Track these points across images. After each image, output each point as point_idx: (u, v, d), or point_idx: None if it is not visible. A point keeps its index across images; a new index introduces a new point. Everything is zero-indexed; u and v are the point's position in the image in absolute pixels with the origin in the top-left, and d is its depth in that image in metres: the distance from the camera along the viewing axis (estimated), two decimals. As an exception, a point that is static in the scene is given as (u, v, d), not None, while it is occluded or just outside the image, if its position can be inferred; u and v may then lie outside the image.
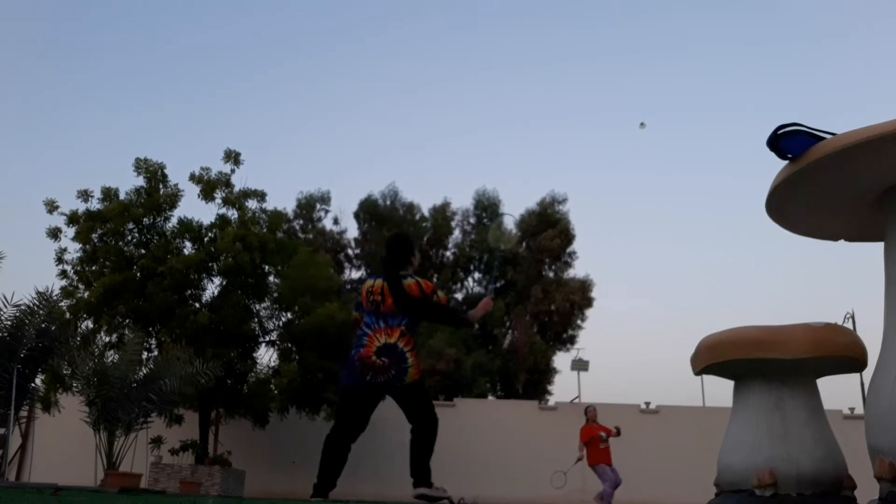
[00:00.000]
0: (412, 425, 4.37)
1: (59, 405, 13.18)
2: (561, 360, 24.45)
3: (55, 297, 11.15)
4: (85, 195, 14.56)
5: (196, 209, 19.42)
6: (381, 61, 40.30)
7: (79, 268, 14.48)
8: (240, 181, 16.25)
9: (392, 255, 4.57)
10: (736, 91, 40.89)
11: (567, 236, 24.33)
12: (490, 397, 22.40)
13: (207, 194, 14.98)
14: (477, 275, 25.80)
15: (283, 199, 36.56)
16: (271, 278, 15.71)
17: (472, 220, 25.70)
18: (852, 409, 17.33)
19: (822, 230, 4.13)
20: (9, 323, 10.37)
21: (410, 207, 24.97)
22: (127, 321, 14.00)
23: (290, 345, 15.36)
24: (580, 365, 19.09)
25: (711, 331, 4.16)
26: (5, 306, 10.37)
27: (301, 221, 24.52)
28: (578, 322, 24.43)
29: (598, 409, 10.84)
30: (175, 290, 13.97)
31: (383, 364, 4.24)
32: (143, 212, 14.50)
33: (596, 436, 10.32)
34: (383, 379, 4.25)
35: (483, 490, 14.64)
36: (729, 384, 4.33)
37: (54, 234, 14.35)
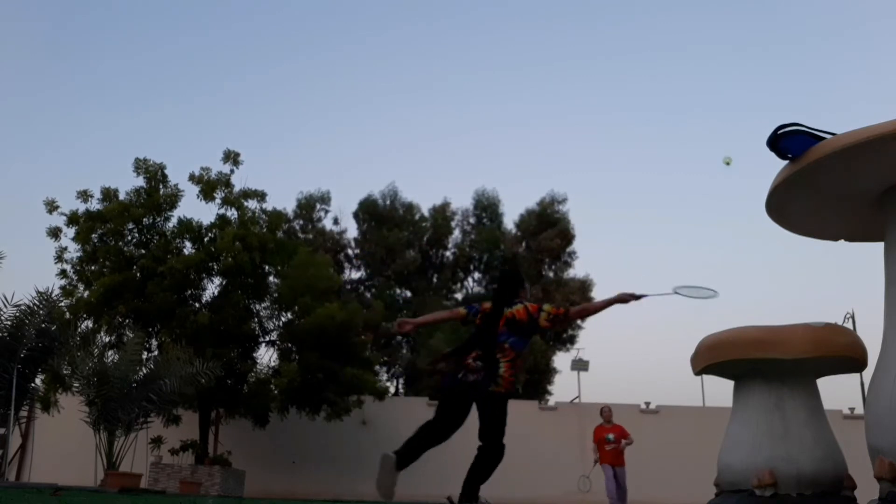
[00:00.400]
0: (481, 441, 4.66)
1: (58, 405, 13.18)
2: (561, 360, 24.40)
3: (55, 297, 11.16)
4: (85, 195, 14.56)
5: (196, 209, 19.43)
6: (380, 61, 40.33)
7: (79, 268, 14.49)
8: (240, 181, 16.27)
9: (500, 288, 4.95)
10: (736, 91, 40.92)
11: (567, 236, 24.32)
12: (490, 397, 22.36)
13: (207, 194, 14.98)
14: (477, 275, 25.81)
15: (283, 199, 36.54)
16: (271, 278, 15.71)
17: (471, 220, 25.70)
18: (852, 409, 17.32)
19: (822, 230, 4.14)
20: (9, 323, 10.39)
21: (410, 207, 24.95)
22: (127, 321, 14.00)
23: (290, 345, 15.36)
24: (580, 365, 19.09)
25: (711, 331, 4.16)
26: (5, 306, 10.39)
27: (301, 221, 24.50)
28: (578, 322, 24.42)
29: (611, 408, 10.85)
30: (175, 290, 13.97)
31: (477, 366, 4.56)
32: (143, 212, 14.49)
33: (603, 437, 10.39)
34: (473, 377, 4.56)
35: (483, 490, 14.61)
36: (729, 384, 4.33)
37: (54, 233, 14.35)
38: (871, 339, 3.65)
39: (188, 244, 14.95)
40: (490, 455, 4.64)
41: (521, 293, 4.90)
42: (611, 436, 10.39)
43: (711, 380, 5.34)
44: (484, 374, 4.53)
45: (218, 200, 15.08)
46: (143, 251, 14.56)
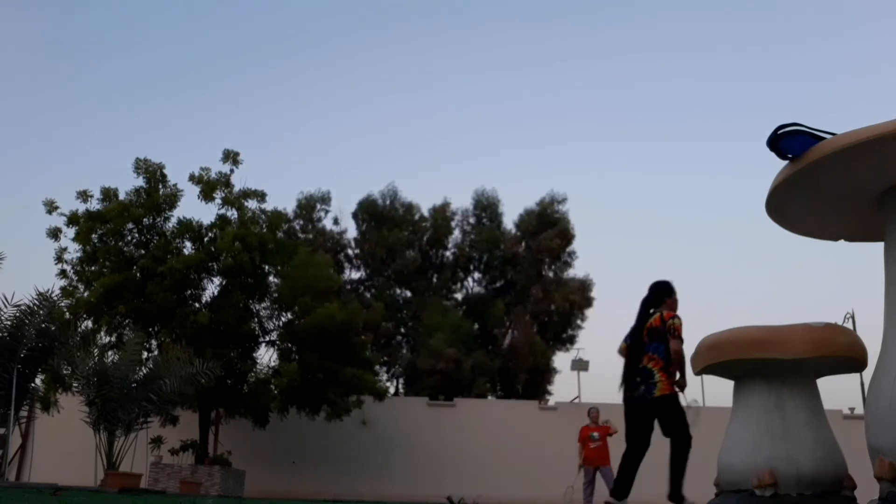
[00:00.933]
0: (669, 439, 5.06)
1: (58, 405, 13.18)
2: (561, 360, 24.37)
3: (55, 297, 11.16)
4: (84, 196, 14.56)
5: (196, 209, 19.41)
6: (380, 61, 40.33)
7: (79, 268, 14.48)
8: (239, 181, 16.27)
9: (646, 299, 5.29)
10: (736, 91, 40.91)
11: (567, 236, 24.28)
12: (490, 397, 22.38)
13: (207, 194, 14.98)
14: (477, 275, 25.79)
15: (283, 199, 36.55)
16: (271, 278, 15.71)
17: (471, 220, 25.67)
18: (852, 409, 17.31)
19: (822, 230, 4.14)
20: (9, 323, 10.39)
21: (410, 207, 24.92)
22: (127, 321, 13.99)
23: (290, 345, 15.36)
24: (580, 365, 19.08)
25: (711, 331, 4.17)
26: (5, 306, 10.40)
27: (301, 221, 24.47)
28: (578, 322, 24.40)
29: (599, 409, 10.95)
30: (175, 290, 13.97)
31: (636, 381, 5.05)
32: (142, 212, 14.49)
33: (587, 436, 10.65)
34: (637, 394, 5.03)
35: (483, 490, 14.63)
36: (729, 384, 4.33)
37: (54, 234, 14.35)
38: (871, 339, 3.65)
39: (188, 244, 14.95)
40: (679, 447, 5.05)
41: (667, 301, 5.19)
42: (596, 434, 10.65)
43: (711, 380, 5.42)
44: (644, 386, 4.97)
45: (218, 200, 15.08)
46: (143, 251, 14.56)
